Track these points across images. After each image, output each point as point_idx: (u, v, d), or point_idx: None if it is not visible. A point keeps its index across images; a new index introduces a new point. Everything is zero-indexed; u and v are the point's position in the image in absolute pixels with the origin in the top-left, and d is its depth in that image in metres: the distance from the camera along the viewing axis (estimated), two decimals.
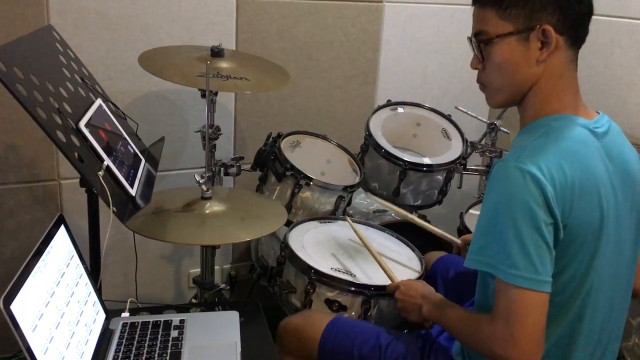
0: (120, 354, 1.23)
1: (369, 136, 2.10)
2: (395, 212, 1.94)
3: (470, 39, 1.22)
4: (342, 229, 1.88)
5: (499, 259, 1.09)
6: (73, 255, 1.21)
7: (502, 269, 1.08)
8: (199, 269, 1.82)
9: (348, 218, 1.83)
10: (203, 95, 1.72)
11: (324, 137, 2.15)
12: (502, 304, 1.10)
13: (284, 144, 1.99)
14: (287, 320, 1.54)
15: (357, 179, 2.02)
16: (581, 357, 1.21)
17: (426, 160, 2.10)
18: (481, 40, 1.18)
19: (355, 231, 1.72)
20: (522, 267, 1.06)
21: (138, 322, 1.33)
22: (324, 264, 1.64)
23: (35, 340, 0.96)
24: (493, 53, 1.17)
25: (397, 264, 1.73)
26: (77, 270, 1.22)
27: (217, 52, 1.79)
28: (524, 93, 1.19)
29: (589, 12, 1.16)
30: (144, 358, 1.22)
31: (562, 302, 1.15)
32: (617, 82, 2.35)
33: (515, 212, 1.07)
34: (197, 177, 1.53)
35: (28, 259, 1.02)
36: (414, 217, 1.87)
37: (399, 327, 1.59)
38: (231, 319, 1.37)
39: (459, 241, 1.73)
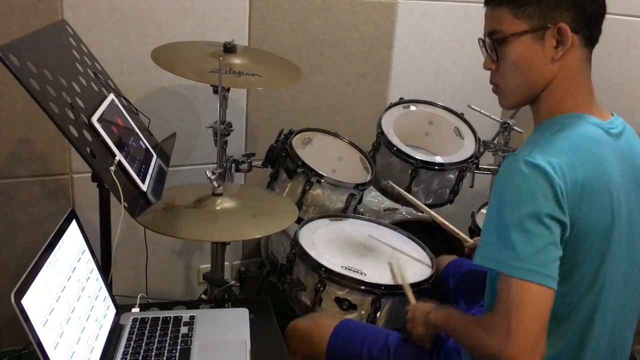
0: (130, 350, 1.23)
1: (380, 134, 2.09)
2: (411, 200, 1.92)
3: (482, 39, 1.21)
4: (353, 227, 1.87)
5: (504, 254, 1.05)
6: (84, 250, 1.22)
7: (506, 263, 1.04)
8: (209, 265, 1.82)
9: (392, 263, 1.71)
10: (215, 91, 1.72)
11: (336, 135, 2.14)
12: (503, 297, 1.05)
13: (296, 141, 1.98)
14: (295, 323, 1.53)
15: (369, 177, 2.01)
16: None
17: (438, 159, 2.08)
18: (495, 40, 1.17)
19: (392, 272, 1.66)
20: (526, 259, 1.03)
21: (148, 318, 1.33)
22: (334, 262, 1.63)
23: (45, 335, 0.96)
24: (508, 52, 1.16)
25: (409, 257, 1.72)
26: (88, 265, 1.22)
27: (229, 48, 1.78)
28: (538, 92, 1.18)
29: (602, 11, 1.16)
30: (153, 354, 1.22)
31: (572, 304, 1.13)
32: (633, 82, 2.32)
33: (522, 205, 1.04)
34: (208, 173, 1.53)
35: (39, 253, 1.03)
36: (429, 210, 1.84)
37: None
38: (241, 315, 1.37)
39: (470, 240, 1.71)
